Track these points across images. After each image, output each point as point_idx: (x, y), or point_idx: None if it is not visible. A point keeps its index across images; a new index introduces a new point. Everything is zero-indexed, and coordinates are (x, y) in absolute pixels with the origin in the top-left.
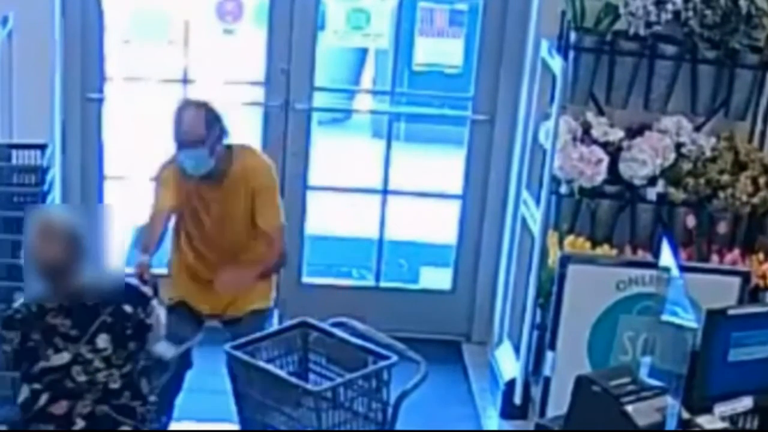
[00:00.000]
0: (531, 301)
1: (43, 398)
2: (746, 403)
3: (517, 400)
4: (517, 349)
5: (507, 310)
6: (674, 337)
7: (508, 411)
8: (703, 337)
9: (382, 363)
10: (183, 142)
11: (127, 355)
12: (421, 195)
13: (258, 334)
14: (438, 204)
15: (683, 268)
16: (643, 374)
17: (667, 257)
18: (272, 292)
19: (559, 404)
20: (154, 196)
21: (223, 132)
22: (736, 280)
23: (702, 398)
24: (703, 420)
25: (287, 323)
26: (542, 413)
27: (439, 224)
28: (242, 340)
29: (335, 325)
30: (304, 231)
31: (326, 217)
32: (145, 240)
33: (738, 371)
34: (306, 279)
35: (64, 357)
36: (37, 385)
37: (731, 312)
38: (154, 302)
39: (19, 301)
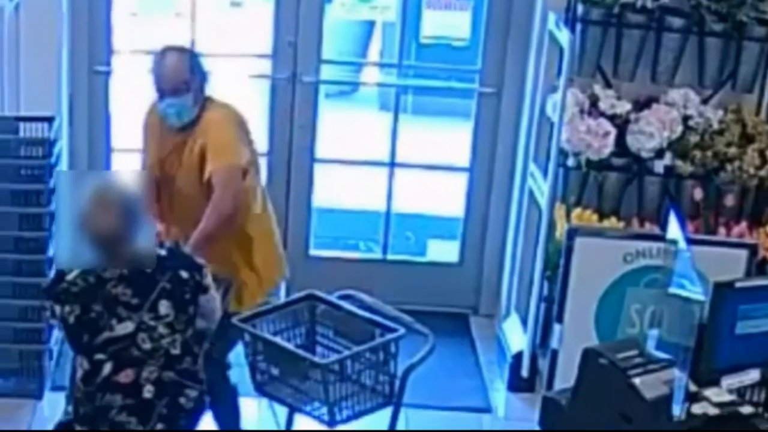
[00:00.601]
0: (538, 274)
1: (107, 368)
2: (753, 375)
3: (525, 372)
4: (524, 322)
5: (514, 283)
6: (681, 309)
7: (516, 383)
8: (711, 310)
9: (390, 336)
10: (166, 89)
11: (186, 319)
12: (428, 168)
13: (265, 307)
14: (445, 177)
15: (690, 241)
16: (650, 347)
17: (674, 230)
18: (239, 263)
19: (566, 377)
20: (143, 147)
21: (205, 79)
22: (744, 253)
23: (709, 371)
24: (710, 393)
25: (294, 296)
26: (549, 386)
27: (446, 197)
28: (250, 312)
29: (342, 297)
30: (312, 204)
31: (333, 189)
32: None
33: (745, 344)
34: (313, 252)
35: (129, 326)
36: (100, 356)
37: (738, 284)
38: (206, 270)
39: (72, 273)
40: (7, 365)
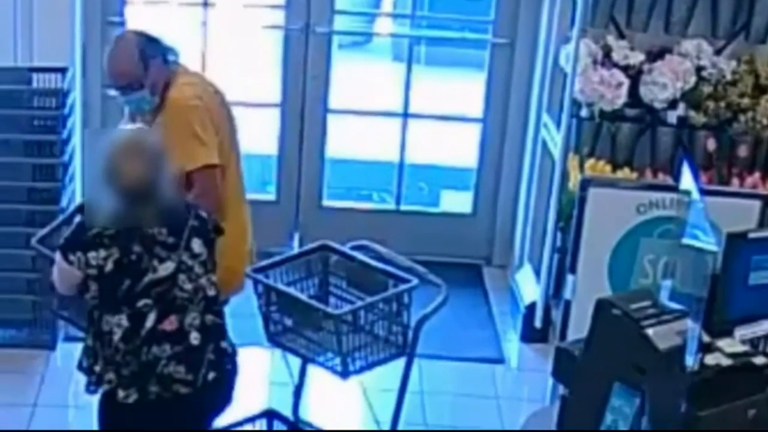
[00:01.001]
0: (551, 225)
1: (151, 317)
2: (766, 326)
3: (538, 323)
4: (537, 273)
5: (527, 234)
6: (695, 260)
7: (529, 334)
8: (724, 261)
9: (403, 286)
10: (118, 87)
11: (213, 260)
12: (441, 118)
13: (278, 258)
14: (458, 127)
15: (703, 192)
16: (663, 298)
17: (687, 181)
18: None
19: (579, 327)
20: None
21: (164, 59)
22: (757, 204)
23: (722, 322)
24: (723, 343)
25: (308, 246)
26: (563, 336)
27: (459, 148)
28: (263, 263)
29: (356, 248)
30: (325, 154)
31: (347, 140)
32: None
33: (758, 294)
34: (326, 202)
35: (170, 266)
36: (144, 301)
37: (751, 235)
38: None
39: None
40: (21, 316)
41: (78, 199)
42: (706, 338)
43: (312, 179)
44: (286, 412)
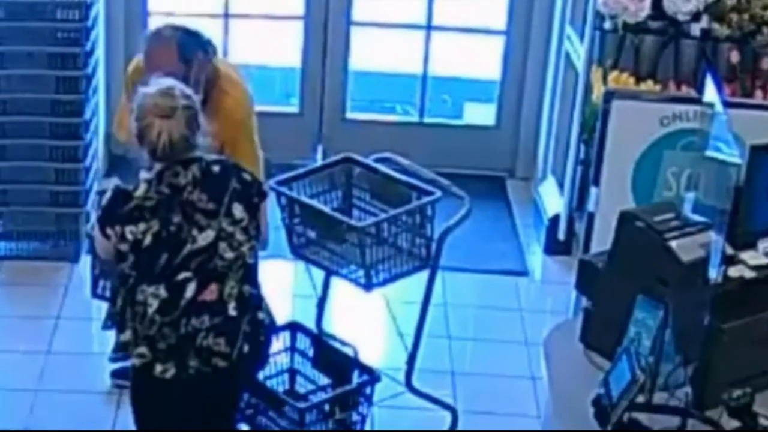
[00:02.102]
0: (575, 137)
1: (191, 287)
2: None
3: (561, 235)
4: (560, 185)
5: (551, 146)
6: (718, 172)
7: (552, 247)
8: (747, 173)
9: (426, 199)
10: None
11: (256, 225)
12: (465, 30)
13: (301, 170)
14: (482, 40)
15: (727, 104)
16: (686, 210)
17: (710, 93)
18: None
19: (602, 240)
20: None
21: (205, 55)
22: None
23: (746, 233)
24: (746, 256)
25: (331, 159)
26: (586, 249)
27: (483, 60)
28: (286, 175)
29: (379, 160)
30: (348, 67)
31: (370, 52)
32: None
33: None
34: (349, 115)
35: (209, 235)
36: (185, 274)
37: None
38: None
39: (139, 189)
40: (44, 228)
41: (102, 111)
42: (729, 250)
43: (335, 92)
44: (310, 324)
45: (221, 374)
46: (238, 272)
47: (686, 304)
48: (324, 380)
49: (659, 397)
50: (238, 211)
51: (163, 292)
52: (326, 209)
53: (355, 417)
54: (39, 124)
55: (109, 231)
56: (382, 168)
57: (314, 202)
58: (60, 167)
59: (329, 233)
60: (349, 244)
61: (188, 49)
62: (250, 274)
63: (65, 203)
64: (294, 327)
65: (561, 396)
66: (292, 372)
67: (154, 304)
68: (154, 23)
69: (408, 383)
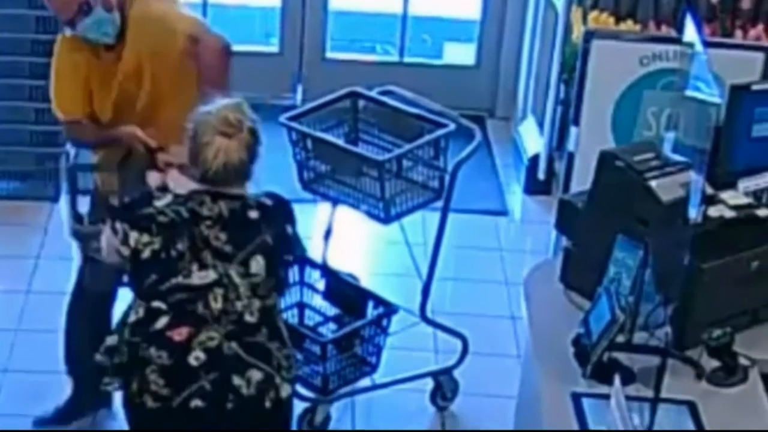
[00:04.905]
0: (555, 77)
1: (163, 321)
2: None
3: (541, 175)
4: (540, 125)
5: (531, 86)
6: (698, 112)
7: (532, 186)
8: (727, 113)
9: (441, 131)
10: (68, 21)
11: (273, 285)
12: None
13: (307, 106)
14: None
15: (707, 44)
16: (666, 149)
17: (690, 33)
18: None
19: (582, 179)
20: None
21: None
22: (760, 56)
23: (725, 173)
24: (726, 195)
25: (335, 94)
26: (566, 188)
27: None
28: (293, 112)
29: (383, 93)
30: (328, 6)
31: None
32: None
33: (761, 146)
34: (329, 54)
35: (208, 276)
36: (158, 304)
37: (755, 87)
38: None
39: (163, 200)
40: (24, 168)
41: None
42: (709, 190)
43: (315, 31)
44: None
45: (148, 414)
46: (225, 326)
47: (666, 244)
48: (331, 311)
49: (639, 337)
50: (255, 264)
51: (141, 311)
52: (346, 145)
53: (371, 349)
54: (18, 64)
55: (117, 226)
56: (391, 101)
57: (330, 137)
58: (39, 107)
59: (344, 168)
60: (367, 178)
61: None
62: (245, 334)
63: (45, 143)
64: (302, 261)
65: (541, 336)
66: (301, 306)
67: (133, 317)
68: None
69: (422, 314)
